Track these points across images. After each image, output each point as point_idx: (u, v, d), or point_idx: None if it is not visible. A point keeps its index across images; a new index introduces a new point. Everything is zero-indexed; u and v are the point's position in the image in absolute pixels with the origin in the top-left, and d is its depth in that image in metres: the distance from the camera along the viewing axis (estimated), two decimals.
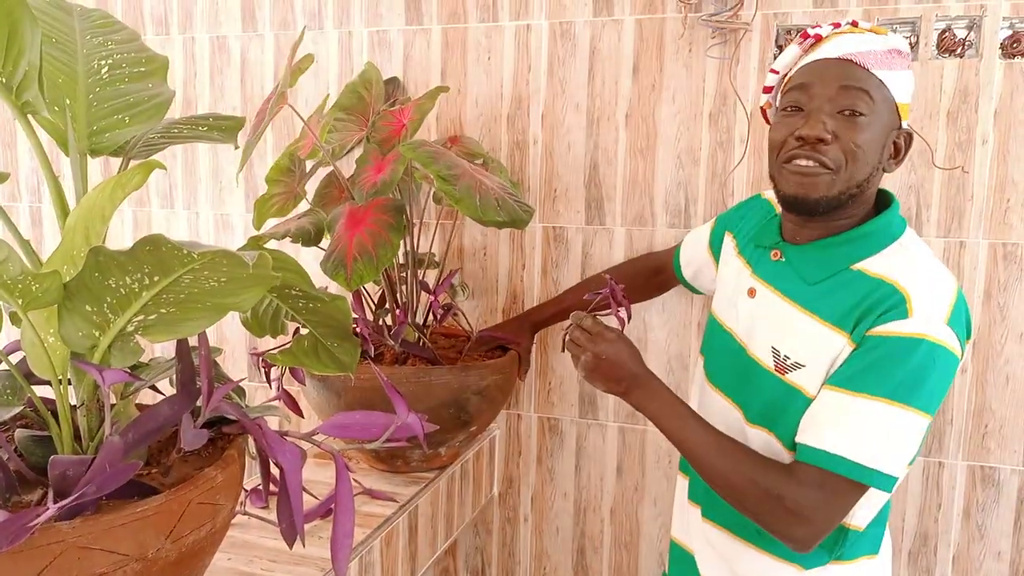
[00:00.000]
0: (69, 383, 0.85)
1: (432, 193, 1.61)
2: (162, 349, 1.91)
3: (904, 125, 1.05)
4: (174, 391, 0.85)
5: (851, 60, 1.00)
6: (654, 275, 1.54)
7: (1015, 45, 1.42)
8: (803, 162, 1.01)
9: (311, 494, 1.27)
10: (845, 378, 1.00)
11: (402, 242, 1.41)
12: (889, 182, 1.50)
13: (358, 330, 1.45)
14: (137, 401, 1.02)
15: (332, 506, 0.88)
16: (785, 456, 1.07)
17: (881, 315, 0.98)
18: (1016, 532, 1.52)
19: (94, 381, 0.81)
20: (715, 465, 1.04)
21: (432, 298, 1.51)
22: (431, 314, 1.54)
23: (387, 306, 1.53)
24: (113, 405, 0.89)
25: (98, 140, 0.92)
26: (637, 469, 1.72)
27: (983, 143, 1.46)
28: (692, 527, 1.25)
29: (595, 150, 1.68)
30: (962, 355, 1.01)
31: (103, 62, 0.95)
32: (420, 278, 1.53)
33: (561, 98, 1.68)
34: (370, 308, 1.55)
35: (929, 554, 1.57)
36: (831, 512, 0.99)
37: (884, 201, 1.10)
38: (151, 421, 0.77)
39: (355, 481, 1.35)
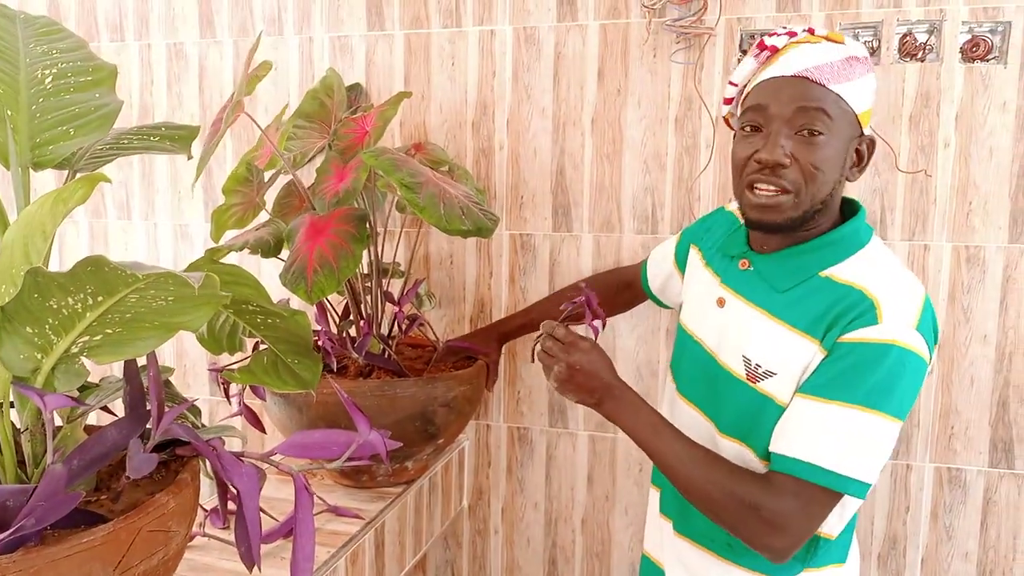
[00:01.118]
0: (12, 407, 0.81)
1: (396, 201, 1.58)
2: (119, 368, 1.86)
3: (866, 131, 1.04)
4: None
5: (807, 77, 0.99)
6: (622, 290, 1.52)
7: (974, 49, 1.43)
8: (763, 187, 1.02)
9: (271, 516, 1.23)
10: (817, 386, 0.99)
11: (366, 252, 1.38)
12: (853, 186, 1.50)
13: (320, 343, 1.41)
14: (89, 422, 0.98)
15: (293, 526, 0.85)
16: (759, 467, 1.06)
17: (851, 322, 0.98)
18: (983, 532, 1.53)
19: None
20: (690, 476, 1.02)
21: (397, 309, 1.48)
22: (396, 325, 1.51)
23: (351, 317, 1.50)
24: (60, 428, 0.85)
25: (41, 152, 0.88)
26: (608, 478, 1.71)
27: (945, 146, 1.47)
28: (664, 541, 1.24)
29: (561, 156, 1.66)
30: (930, 360, 1.01)
31: (47, 71, 0.91)
32: (385, 288, 1.50)
33: (526, 104, 1.67)
34: (334, 320, 1.52)
35: (898, 556, 1.57)
36: (808, 521, 0.98)
37: (851, 209, 1.10)
38: (97, 447, 0.74)
39: (319, 498, 1.32)
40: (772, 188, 1.01)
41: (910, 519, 1.56)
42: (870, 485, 0.98)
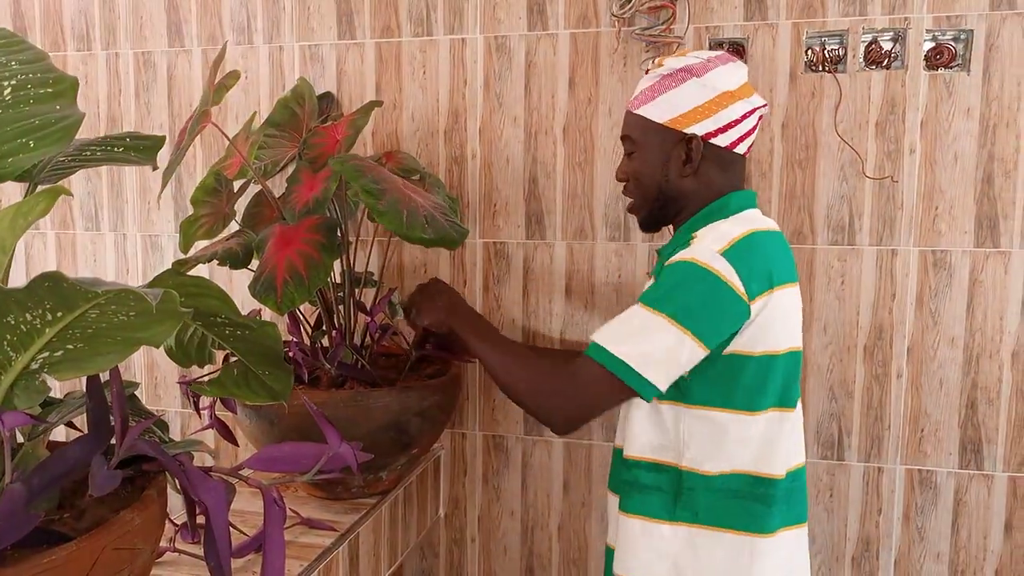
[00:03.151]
0: None
1: (367, 210, 1.57)
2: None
3: (689, 131, 1.13)
4: None
5: (628, 109, 1.21)
6: None
7: (938, 57, 1.45)
8: (625, 196, 1.27)
9: (241, 530, 1.22)
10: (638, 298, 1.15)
11: (338, 261, 1.37)
12: (823, 192, 1.52)
13: (292, 354, 1.40)
14: (57, 438, 0.96)
15: None
16: (673, 407, 1.13)
17: (672, 252, 1.13)
18: (954, 533, 1.55)
19: None
20: (504, 364, 1.17)
21: (370, 319, 1.47)
22: (369, 335, 1.50)
23: (323, 328, 1.49)
24: (22, 445, 0.84)
25: (1, 165, 0.86)
26: (583, 485, 1.71)
27: (911, 152, 1.49)
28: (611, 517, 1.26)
29: (534, 164, 1.66)
30: (748, 290, 1.05)
31: (6, 83, 0.89)
32: (357, 298, 1.49)
33: (498, 112, 1.67)
34: (306, 331, 1.50)
35: (871, 558, 1.58)
36: (581, 391, 1.10)
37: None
38: (58, 465, 0.72)
39: (292, 511, 1.31)
40: (627, 196, 1.26)
41: (882, 521, 1.57)
42: (648, 382, 1.06)
